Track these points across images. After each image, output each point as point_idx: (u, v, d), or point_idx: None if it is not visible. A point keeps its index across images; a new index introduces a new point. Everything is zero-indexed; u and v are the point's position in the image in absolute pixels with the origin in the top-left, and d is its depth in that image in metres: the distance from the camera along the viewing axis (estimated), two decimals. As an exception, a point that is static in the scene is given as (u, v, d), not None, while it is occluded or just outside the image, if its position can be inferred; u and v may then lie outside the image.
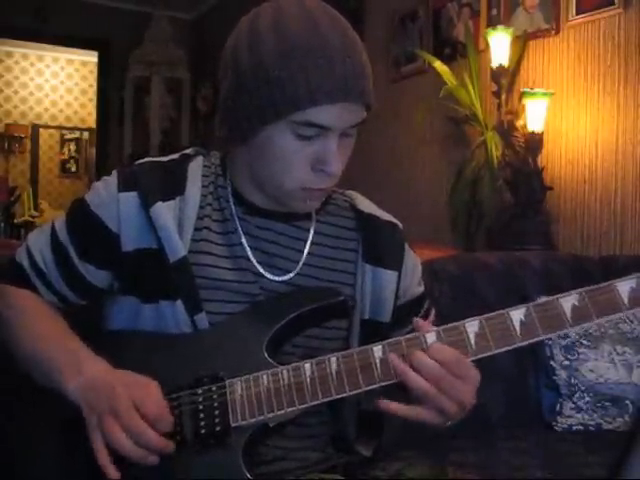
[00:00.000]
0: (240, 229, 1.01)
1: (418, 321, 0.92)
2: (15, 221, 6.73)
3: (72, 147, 8.16)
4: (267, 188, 0.99)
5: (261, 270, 1.00)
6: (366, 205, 1.11)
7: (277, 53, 0.89)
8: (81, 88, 8.09)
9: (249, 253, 1.00)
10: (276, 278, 1.01)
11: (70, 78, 8.02)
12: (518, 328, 0.88)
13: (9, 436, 0.98)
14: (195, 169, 1.02)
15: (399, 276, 1.06)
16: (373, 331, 1.03)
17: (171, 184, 0.99)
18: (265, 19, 0.93)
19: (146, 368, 0.90)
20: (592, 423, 1.84)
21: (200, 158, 1.05)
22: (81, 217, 1.01)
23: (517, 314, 0.88)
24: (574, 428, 1.84)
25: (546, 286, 2.04)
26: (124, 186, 0.98)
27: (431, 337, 0.89)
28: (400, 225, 1.12)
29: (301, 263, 1.02)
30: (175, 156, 1.05)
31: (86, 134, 8.03)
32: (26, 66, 7.78)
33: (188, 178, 1.00)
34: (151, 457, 0.85)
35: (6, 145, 7.71)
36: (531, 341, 0.88)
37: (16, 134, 7.72)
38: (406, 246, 1.10)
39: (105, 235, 0.98)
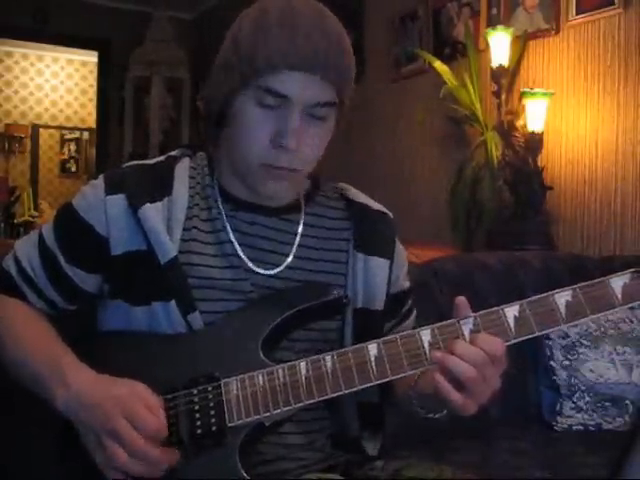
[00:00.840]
0: (228, 226, 1.00)
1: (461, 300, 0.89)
2: (15, 221, 6.71)
3: (72, 147, 8.15)
4: (239, 171, 1.00)
5: (251, 266, 1.00)
6: (357, 195, 1.12)
7: (250, 28, 0.94)
8: (81, 88, 8.08)
9: (238, 250, 1.00)
10: (267, 272, 1.00)
11: (70, 78, 8.01)
12: (512, 324, 0.88)
13: (6, 437, 0.97)
14: (182, 170, 1.02)
15: (391, 264, 1.06)
16: (366, 320, 1.04)
17: (158, 185, 0.99)
18: (247, 10, 0.98)
19: (141, 369, 0.90)
20: (592, 423, 1.84)
21: (186, 159, 1.05)
22: (69, 222, 1.00)
23: (511, 310, 0.88)
24: (574, 428, 1.84)
25: (546, 286, 2.04)
26: (111, 189, 0.98)
27: (426, 334, 0.89)
28: (391, 214, 1.12)
29: (291, 256, 1.02)
30: (161, 158, 1.05)
31: (86, 134, 8.02)
32: (26, 66, 7.77)
33: (175, 179, 1.00)
34: (157, 469, 0.85)
35: (6, 145, 7.69)
36: (525, 338, 0.89)
37: (16, 134, 7.71)
38: (396, 237, 1.11)
39: (94, 239, 0.97)
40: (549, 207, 2.70)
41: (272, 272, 1.00)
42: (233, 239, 1.00)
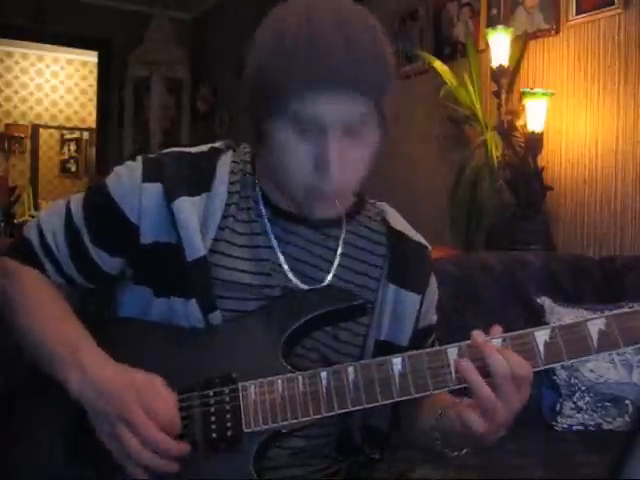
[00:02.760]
0: (271, 231, 0.97)
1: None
2: (15, 221, 6.71)
3: (72, 147, 8.14)
4: (283, 189, 0.96)
5: (290, 276, 0.96)
6: (398, 221, 1.08)
7: (271, 49, 0.88)
8: (81, 88, 8.08)
9: (281, 258, 0.96)
10: (305, 286, 0.97)
11: (70, 78, 8.01)
12: (542, 349, 0.84)
13: (10, 434, 0.97)
14: (224, 165, 0.98)
15: (422, 299, 1.02)
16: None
17: (198, 179, 0.95)
18: (271, 15, 0.92)
19: (157, 362, 0.88)
20: (592, 423, 1.84)
21: (230, 153, 1.01)
22: (100, 203, 0.97)
23: (542, 335, 0.85)
24: (574, 428, 1.84)
25: (546, 286, 2.04)
26: (148, 176, 0.95)
27: (452, 352, 0.85)
28: (429, 247, 1.08)
29: (332, 274, 0.99)
30: (204, 148, 1.01)
31: (86, 134, 8.02)
32: (26, 66, 7.77)
33: (216, 174, 0.96)
34: (172, 465, 0.83)
35: (6, 145, 7.69)
36: (553, 365, 0.86)
37: (16, 134, 7.71)
38: (432, 271, 1.07)
39: (124, 225, 0.95)
40: (549, 207, 2.70)
41: (312, 287, 0.97)
42: (275, 246, 0.97)
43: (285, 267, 0.96)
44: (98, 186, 0.99)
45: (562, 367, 1.89)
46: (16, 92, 7.76)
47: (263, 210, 0.98)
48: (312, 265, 0.98)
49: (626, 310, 0.86)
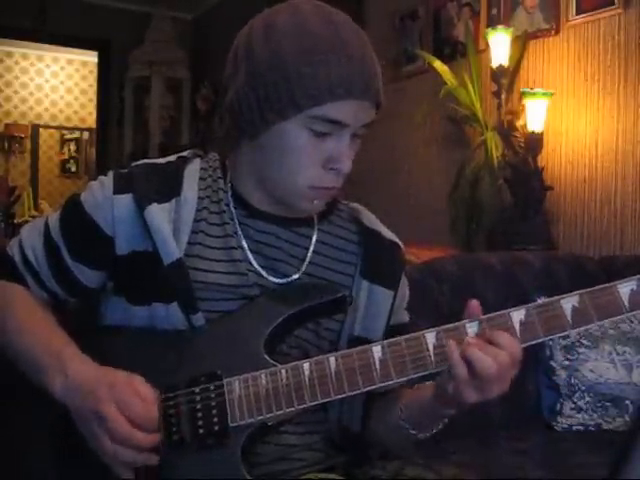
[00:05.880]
0: (240, 232, 1.00)
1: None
2: (15, 221, 6.71)
3: (72, 147, 8.14)
4: (273, 188, 0.98)
5: (263, 273, 0.99)
6: (371, 220, 1.10)
7: (298, 50, 0.90)
8: (81, 88, 8.08)
9: (250, 256, 0.99)
10: (276, 280, 0.99)
11: (70, 78, 8.01)
12: (518, 329, 0.87)
13: (5, 436, 0.97)
14: (192, 172, 1.01)
15: (394, 295, 1.05)
16: None
17: (167, 186, 0.98)
18: (282, 17, 0.94)
19: (142, 366, 0.89)
20: (592, 423, 1.84)
21: (197, 160, 1.04)
22: (75, 218, 1.00)
23: (518, 315, 0.87)
24: (574, 428, 1.84)
25: (546, 286, 2.04)
26: (119, 188, 0.98)
27: (431, 337, 0.88)
28: (402, 246, 1.11)
29: (302, 270, 1.01)
30: (172, 158, 1.04)
31: (86, 134, 8.02)
32: (26, 66, 7.77)
33: (184, 181, 0.99)
34: (151, 458, 0.85)
35: (6, 145, 7.69)
36: (531, 343, 0.87)
37: (16, 134, 7.70)
38: (404, 268, 1.09)
39: (99, 237, 0.97)
40: (549, 207, 2.70)
41: (281, 281, 1.00)
42: (245, 246, 0.99)
43: (257, 266, 0.99)
44: (73, 201, 1.02)
45: (562, 367, 1.89)
46: (16, 92, 7.76)
47: (234, 212, 1.01)
48: (284, 262, 1.01)
49: (599, 286, 0.87)
